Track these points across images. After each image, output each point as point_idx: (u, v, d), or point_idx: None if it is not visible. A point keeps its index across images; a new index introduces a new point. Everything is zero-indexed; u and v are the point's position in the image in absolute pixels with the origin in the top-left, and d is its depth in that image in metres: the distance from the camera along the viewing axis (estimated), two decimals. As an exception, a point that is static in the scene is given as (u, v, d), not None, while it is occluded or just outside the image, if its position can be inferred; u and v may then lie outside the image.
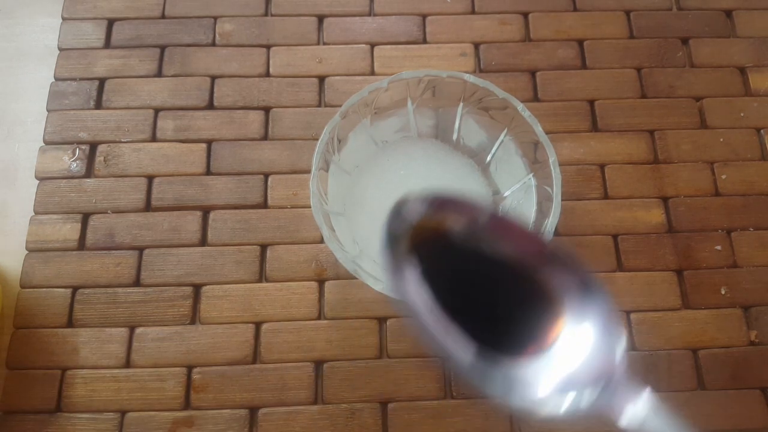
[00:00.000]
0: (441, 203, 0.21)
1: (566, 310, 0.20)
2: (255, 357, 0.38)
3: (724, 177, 0.42)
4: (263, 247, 0.40)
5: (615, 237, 0.41)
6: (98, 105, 0.44)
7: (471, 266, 0.21)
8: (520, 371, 0.19)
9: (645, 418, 0.18)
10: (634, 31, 0.47)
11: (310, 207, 0.33)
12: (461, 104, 0.37)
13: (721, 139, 0.43)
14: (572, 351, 0.20)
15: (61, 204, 0.41)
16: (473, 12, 0.47)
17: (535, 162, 0.36)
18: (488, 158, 0.38)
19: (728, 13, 0.47)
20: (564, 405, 0.19)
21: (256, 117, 0.43)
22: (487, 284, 0.21)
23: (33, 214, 0.41)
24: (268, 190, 0.41)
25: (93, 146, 0.43)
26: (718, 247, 0.40)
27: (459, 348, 0.19)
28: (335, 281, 0.39)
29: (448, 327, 0.20)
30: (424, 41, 0.46)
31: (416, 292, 0.21)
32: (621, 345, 0.20)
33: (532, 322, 0.20)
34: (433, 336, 0.20)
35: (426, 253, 0.21)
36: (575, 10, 0.47)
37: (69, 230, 0.40)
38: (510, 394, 0.19)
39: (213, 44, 0.46)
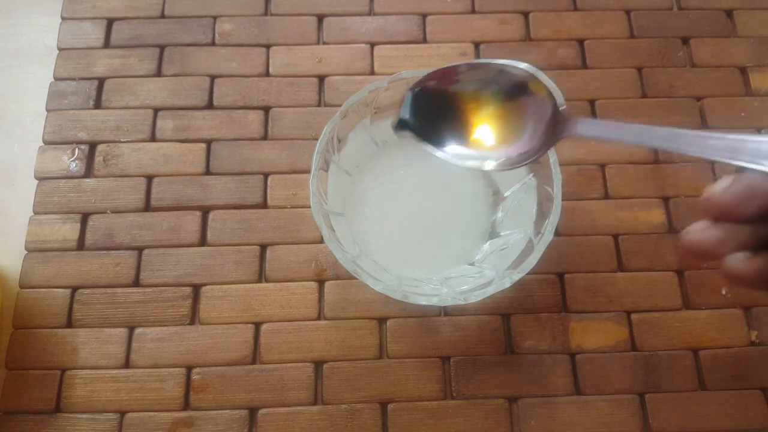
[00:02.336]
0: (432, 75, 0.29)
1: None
2: (255, 357, 0.38)
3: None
4: (263, 247, 0.40)
5: (615, 237, 0.41)
6: (97, 105, 0.44)
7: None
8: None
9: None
10: (634, 31, 0.47)
11: (310, 207, 0.33)
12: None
13: (722, 139, 0.43)
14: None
15: (61, 204, 0.41)
16: (473, 11, 0.47)
17: (536, 162, 0.36)
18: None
19: (729, 13, 0.47)
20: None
21: (255, 117, 0.43)
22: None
23: (32, 214, 0.41)
24: (268, 190, 0.41)
25: (92, 146, 0.43)
26: (719, 247, 0.40)
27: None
28: (335, 281, 0.39)
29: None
30: (424, 41, 0.46)
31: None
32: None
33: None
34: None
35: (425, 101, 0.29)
36: (575, 9, 0.47)
37: (68, 230, 0.40)
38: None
39: (213, 44, 0.45)
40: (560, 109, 0.26)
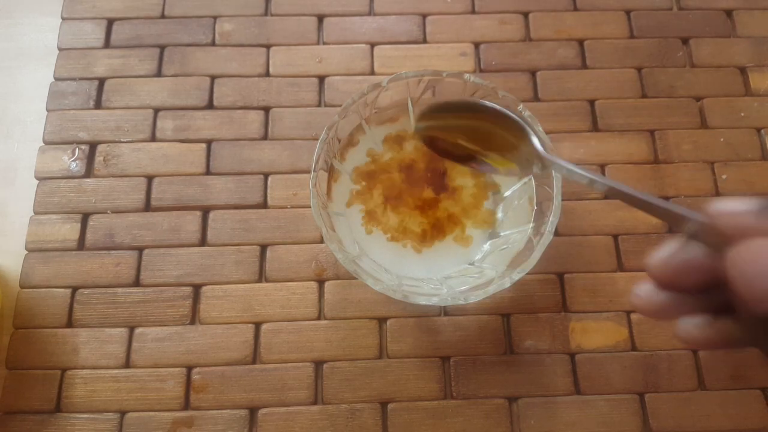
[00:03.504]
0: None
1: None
2: (255, 357, 0.38)
3: (724, 177, 0.42)
4: (263, 247, 0.40)
5: (615, 237, 0.41)
6: (98, 105, 0.44)
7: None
8: None
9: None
10: (634, 31, 0.47)
11: (310, 207, 0.33)
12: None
13: (722, 139, 0.43)
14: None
15: (61, 204, 0.41)
16: (473, 12, 0.47)
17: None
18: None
19: (728, 13, 0.47)
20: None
21: (255, 117, 0.43)
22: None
23: (33, 214, 0.41)
24: (268, 190, 0.41)
25: (93, 146, 0.43)
26: (719, 247, 0.40)
27: None
28: (335, 281, 0.39)
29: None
30: (424, 41, 0.46)
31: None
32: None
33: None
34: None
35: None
36: (575, 9, 0.47)
37: (69, 230, 0.40)
38: None
39: (213, 44, 0.45)
40: (540, 150, 0.29)
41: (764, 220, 0.17)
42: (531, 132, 0.30)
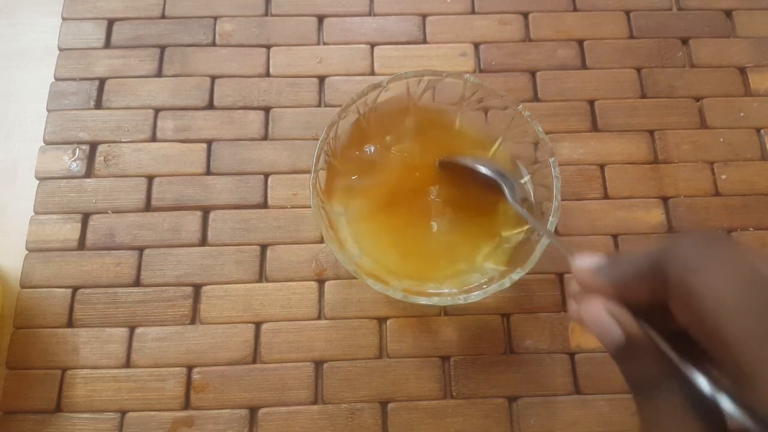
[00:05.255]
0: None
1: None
2: (255, 357, 0.38)
3: (724, 177, 0.42)
4: (263, 247, 0.40)
5: (615, 237, 0.41)
6: (98, 105, 0.44)
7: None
8: None
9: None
10: (634, 31, 0.47)
11: (310, 207, 0.33)
12: (461, 104, 0.37)
13: (721, 139, 0.43)
14: None
15: (61, 204, 0.41)
16: (473, 12, 0.47)
17: (535, 162, 0.36)
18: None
19: (728, 13, 0.47)
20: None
21: (256, 117, 0.43)
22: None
23: (33, 214, 0.41)
24: (268, 190, 0.41)
25: (93, 146, 0.43)
26: (718, 247, 0.40)
27: None
28: (335, 281, 0.39)
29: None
30: (424, 41, 0.46)
31: None
32: None
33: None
34: None
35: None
36: (575, 10, 0.47)
37: (69, 230, 0.40)
38: None
39: (213, 44, 0.46)
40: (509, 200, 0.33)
41: (598, 278, 0.22)
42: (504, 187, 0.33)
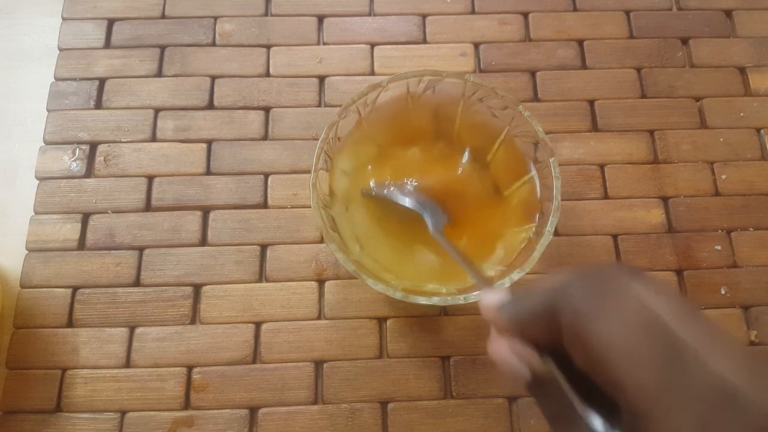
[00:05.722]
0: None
1: None
2: (255, 357, 0.38)
3: (724, 177, 0.42)
4: (263, 247, 0.40)
5: (615, 237, 0.41)
6: (98, 105, 0.44)
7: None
8: None
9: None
10: (634, 31, 0.47)
11: (310, 207, 0.33)
12: (461, 104, 0.37)
13: (721, 139, 0.43)
14: None
15: (61, 204, 0.41)
16: (473, 12, 0.47)
17: (535, 162, 0.36)
18: (488, 157, 0.38)
19: (728, 13, 0.47)
20: None
21: (256, 117, 0.43)
22: None
23: (33, 214, 0.41)
24: (268, 190, 0.41)
25: (93, 146, 0.43)
26: (718, 247, 0.40)
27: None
28: (335, 281, 0.39)
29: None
30: (424, 41, 0.46)
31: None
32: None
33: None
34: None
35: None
36: (575, 10, 0.47)
37: (69, 230, 0.40)
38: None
39: (213, 44, 0.46)
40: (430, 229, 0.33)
41: (501, 316, 0.22)
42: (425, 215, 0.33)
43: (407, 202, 0.34)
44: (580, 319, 0.18)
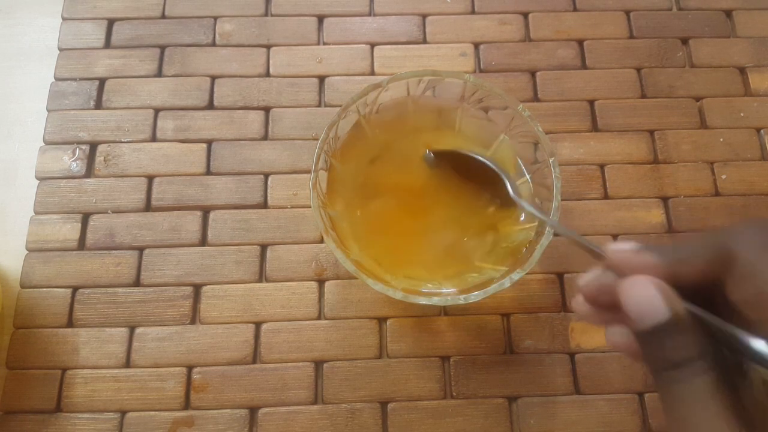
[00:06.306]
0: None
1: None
2: (255, 357, 0.38)
3: (724, 177, 0.42)
4: (263, 247, 0.40)
5: (615, 237, 0.41)
6: (98, 105, 0.44)
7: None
8: None
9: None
10: (634, 31, 0.47)
11: (310, 207, 0.33)
12: (461, 104, 0.37)
13: (721, 139, 0.43)
14: None
15: (61, 204, 0.41)
16: (473, 12, 0.47)
17: (535, 162, 0.36)
18: (488, 153, 0.38)
19: (728, 13, 0.47)
20: None
21: (256, 117, 0.43)
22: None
23: (33, 214, 0.41)
24: (268, 190, 0.41)
25: (93, 146, 0.43)
26: (718, 247, 0.40)
27: None
28: (335, 281, 0.39)
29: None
30: (424, 41, 0.46)
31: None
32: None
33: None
34: None
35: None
36: (575, 10, 0.47)
37: (69, 230, 0.40)
38: None
39: (213, 44, 0.46)
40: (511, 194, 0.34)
41: (640, 257, 0.22)
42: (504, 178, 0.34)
43: (487, 162, 0.35)
44: (759, 253, 0.21)
